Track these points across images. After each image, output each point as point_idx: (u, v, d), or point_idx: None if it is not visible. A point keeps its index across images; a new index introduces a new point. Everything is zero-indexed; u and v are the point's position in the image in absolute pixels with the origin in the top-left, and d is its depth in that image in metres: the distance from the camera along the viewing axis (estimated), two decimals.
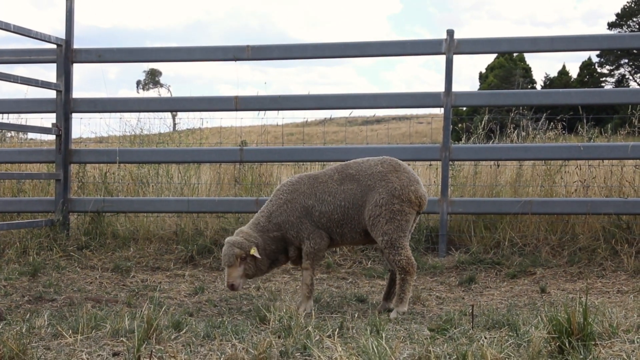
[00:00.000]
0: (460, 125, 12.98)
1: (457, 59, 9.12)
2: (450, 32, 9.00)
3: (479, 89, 49.49)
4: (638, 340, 4.84)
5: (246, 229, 6.40)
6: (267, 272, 6.66)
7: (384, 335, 4.95)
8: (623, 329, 5.17)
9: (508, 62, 53.70)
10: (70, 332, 5.16)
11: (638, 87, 55.06)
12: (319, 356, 4.45)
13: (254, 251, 6.19)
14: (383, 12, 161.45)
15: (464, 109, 37.33)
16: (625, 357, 4.36)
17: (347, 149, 9.49)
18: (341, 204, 6.29)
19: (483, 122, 10.84)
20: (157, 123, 19.50)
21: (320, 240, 6.34)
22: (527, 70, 54.96)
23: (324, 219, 6.33)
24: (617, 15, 60.65)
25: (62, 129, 9.54)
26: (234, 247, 6.20)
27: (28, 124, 10.77)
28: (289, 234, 6.37)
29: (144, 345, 4.73)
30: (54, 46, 9.59)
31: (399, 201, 6.21)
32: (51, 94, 9.72)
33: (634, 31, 58.70)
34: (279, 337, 5.09)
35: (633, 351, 4.59)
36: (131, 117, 11.72)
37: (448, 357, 4.48)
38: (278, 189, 6.55)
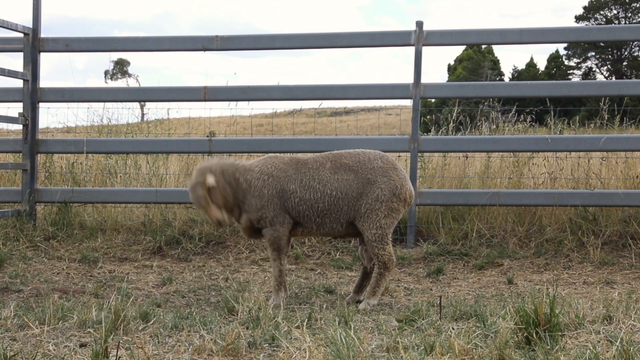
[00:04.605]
0: (429, 116, 13.02)
1: (426, 50, 9.13)
2: (419, 24, 9.00)
3: (447, 81, 49.62)
4: (604, 331, 4.89)
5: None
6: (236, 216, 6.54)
7: (352, 326, 4.96)
8: (589, 319, 5.22)
9: (476, 54, 53.94)
10: (37, 323, 5.14)
11: (605, 79, 55.46)
12: (288, 347, 4.45)
13: (209, 181, 6.23)
14: (354, 3, 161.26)
15: (433, 100, 37.52)
16: (591, 348, 4.39)
17: (316, 140, 9.47)
18: (331, 193, 6.24)
19: (454, 114, 10.87)
20: (125, 113, 19.43)
21: (281, 228, 6.31)
22: (496, 63, 55.23)
23: (303, 207, 6.27)
24: (585, 8, 61.11)
25: (29, 118, 9.45)
26: (194, 188, 6.32)
27: None
28: (250, 201, 6.32)
29: (111, 336, 4.72)
30: (21, 35, 9.49)
31: (397, 200, 6.29)
32: (18, 83, 9.62)
33: (600, 24, 59.14)
34: (248, 328, 5.08)
35: (599, 342, 4.64)
36: (99, 107, 11.65)
37: (416, 347, 4.50)
38: (268, 158, 6.49)
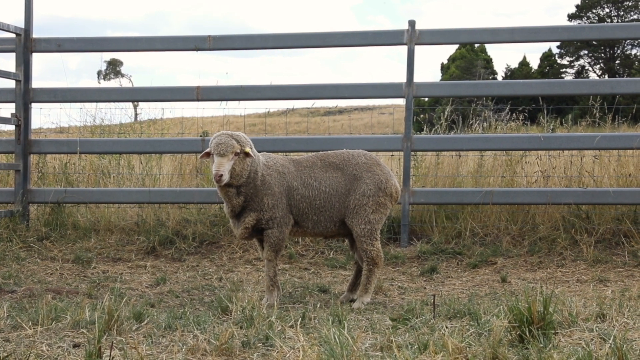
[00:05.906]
0: (422, 116, 13.01)
1: (419, 49, 9.13)
2: (411, 23, 9.01)
3: (440, 80, 49.62)
4: (597, 328, 4.90)
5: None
6: (235, 202, 6.24)
7: (346, 325, 4.96)
8: (582, 317, 5.23)
9: (469, 53, 53.89)
10: (30, 323, 5.13)
11: (597, 78, 55.53)
12: (281, 346, 4.45)
13: (249, 149, 6.09)
14: (347, 3, 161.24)
15: (426, 99, 37.52)
16: (585, 346, 4.40)
17: (309, 139, 9.47)
18: (325, 190, 6.34)
19: (446, 113, 10.88)
20: (118, 113, 19.38)
21: (285, 229, 6.34)
22: (489, 61, 55.18)
23: (303, 204, 6.34)
24: (577, 6, 61.14)
25: (22, 119, 9.44)
26: (232, 138, 6.03)
27: None
28: (262, 199, 6.25)
29: (104, 337, 4.71)
30: (13, 35, 9.48)
31: (383, 194, 6.38)
32: (10, 83, 9.61)
33: (593, 22, 59.21)
34: (241, 327, 5.08)
35: (592, 339, 4.64)
36: (92, 108, 11.62)
37: (410, 346, 4.51)
38: (272, 157, 6.47)
